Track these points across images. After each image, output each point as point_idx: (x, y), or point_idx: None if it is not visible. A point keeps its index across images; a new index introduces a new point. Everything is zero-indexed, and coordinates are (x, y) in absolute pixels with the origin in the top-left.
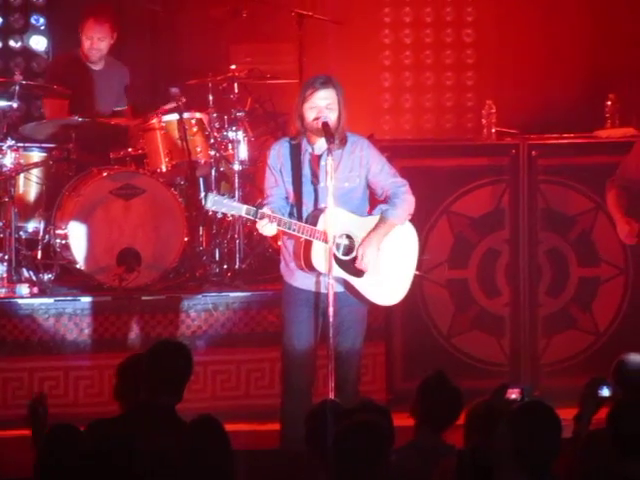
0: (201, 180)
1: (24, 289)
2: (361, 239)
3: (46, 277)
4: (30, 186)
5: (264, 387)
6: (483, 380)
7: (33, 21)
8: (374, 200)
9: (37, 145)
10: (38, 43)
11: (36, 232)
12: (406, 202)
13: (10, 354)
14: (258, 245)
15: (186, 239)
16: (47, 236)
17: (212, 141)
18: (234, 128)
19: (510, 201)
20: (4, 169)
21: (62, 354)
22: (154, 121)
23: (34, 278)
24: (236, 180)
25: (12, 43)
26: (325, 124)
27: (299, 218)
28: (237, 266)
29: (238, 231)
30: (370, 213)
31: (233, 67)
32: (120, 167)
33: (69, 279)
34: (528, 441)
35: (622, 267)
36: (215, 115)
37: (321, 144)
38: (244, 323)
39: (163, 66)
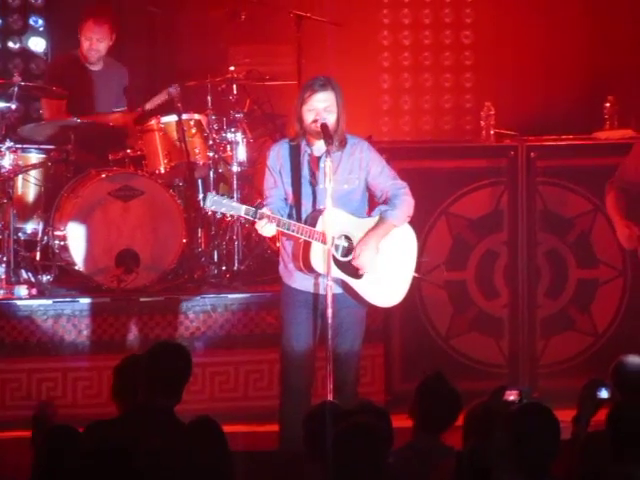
0: (200, 181)
1: (23, 290)
2: (359, 240)
3: (45, 278)
4: (29, 187)
5: (262, 388)
6: (482, 381)
7: (32, 22)
8: (373, 202)
9: (35, 146)
10: (37, 44)
11: (35, 233)
12: (405, 203)
13: (9, 355)
14: (257, 246)
15: (184, 240)
16: (46, 237)
17: (211, 142)
18: (233, 129)
19: (509, 203)
20: (3, 170)
21: (61, 355)
22: (153, 122)
23: (33, 279)
24: (235, 181)
25: (11, 44)
26: (324, 125)
27: (298, 219)
28: (236, 267)
29: (237, 232)
30: (369, 215)
31: (232, 68)
32: (119, 168)
33: (68, 280)
34: (526, 442)
35: (621, 269)
36: (214, 116)
37: (320, 146)
38: (243, 324)
39: (162, 67)
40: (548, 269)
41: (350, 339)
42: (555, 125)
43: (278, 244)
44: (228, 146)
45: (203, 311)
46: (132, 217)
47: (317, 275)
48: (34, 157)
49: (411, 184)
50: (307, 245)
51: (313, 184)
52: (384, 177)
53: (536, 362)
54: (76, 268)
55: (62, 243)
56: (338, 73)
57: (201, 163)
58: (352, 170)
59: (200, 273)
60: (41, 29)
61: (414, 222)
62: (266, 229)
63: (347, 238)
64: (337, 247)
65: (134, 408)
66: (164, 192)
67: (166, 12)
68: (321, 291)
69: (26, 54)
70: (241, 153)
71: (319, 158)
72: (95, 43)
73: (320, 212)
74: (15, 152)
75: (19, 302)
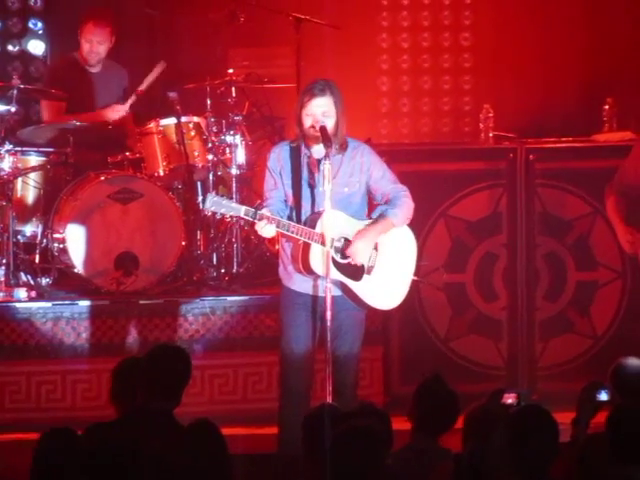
0: (199, 184)
1: (22, 293)
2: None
3: (44, 281)
4: (28, 190)
5: (262, 391)
6: (481, 384)
7: (31, 25)
8: (373, 206)
9: (35, 149)
10: (36, 47)
11: (34, 236)
12: (406, 206)
13: (8, 358)
14: (255, 249)
15: (184, 243)
16: (45, 240)
17: (210, 145)
18: (232, 132)
19: (508, 205)
20: (2, 173)
21: (60, 358)
22: (152, 125)
23: (32, 282)
24: (234, 184)
25: (10, 47)
26: (323, 128)
27: (298, 221)
28: (235, 270)
29: (236, 235)
30: (369, 218)
31: (231, 71)
32: (118, 171)
33: (67, 283)
34: (525, 445)
35: (620, 271)
36: (213, 119)
37: (320, 148)
38: (242, 327)
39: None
40: (547, 271)
41: (349, 341)
42: (554, 127)
43: (277, 246)
44: (227, 149)
45: (202, 314)
46: (131, 220)
47: (316, 277)
48: (33, 160)
49: (410, 187)
50: (306, 247)
51: (313, 186)
52: (385, 181)
53: (535, 364)
54: (75, 271)
55: (61, 246)
56: (337, 76)
57: (200, 166)
58: (353, 173)
59: (199, 276)
60: (40, 32)
61: (413, 224)
62: (266, 230)
63: (346, 240)
64: (336, 249)
65: (133, 411)
66: (163, 195)
67: (165, 14)
68: (320, 293)
69: (25, 57)
70: (240, 155)
71: (319, 160)
72: (96, 45)
73: (320, 214)
74: (14, 155)
75: (18, 305)
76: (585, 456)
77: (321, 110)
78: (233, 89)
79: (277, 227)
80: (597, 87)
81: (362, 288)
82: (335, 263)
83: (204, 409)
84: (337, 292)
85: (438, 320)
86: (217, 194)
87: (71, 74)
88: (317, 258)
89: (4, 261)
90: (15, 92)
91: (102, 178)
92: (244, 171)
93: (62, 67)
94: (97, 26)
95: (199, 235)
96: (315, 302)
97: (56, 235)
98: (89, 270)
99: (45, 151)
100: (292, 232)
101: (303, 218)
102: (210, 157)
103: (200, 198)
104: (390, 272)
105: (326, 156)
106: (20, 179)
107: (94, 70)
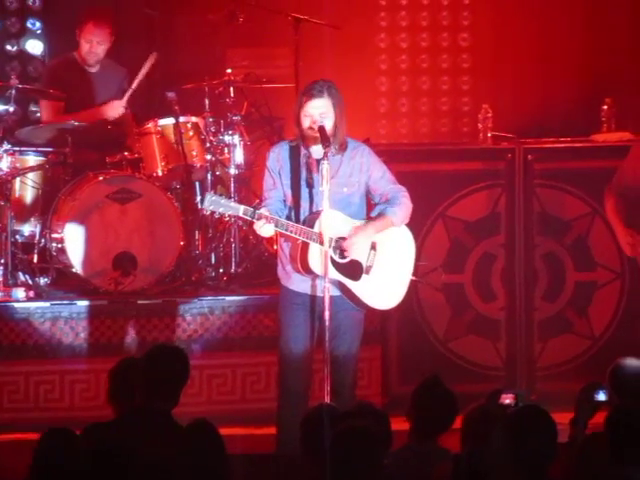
0: (197, 184)
1: (20, 293)
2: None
3: (42, 281)
4: (26, 190)
5: (260, 391)
6: (479, 384)
7: (29, 25)
8: (371, 206)
9: (33, 149)
10: (34, 47)
11: (32, 236)
12: (404, 206)
13: (6, 358)
14: (254, 249)
15: (182, 243)
16: (43, 240)
17: (208, 145)
18: (230, 132)
19: (506, 205)
20: (0, 173)
21: (58, 358)
22: (150, 125)
23: (30, 282)
24: (232, 184)
25: (8, 47)
26: (321, 128)
27: (297, 221)
28: (233, 270)
29: (234, 235)
30: (368, 218)
31: (229, 71)
32: (116, 171)
33: (65, 283)
34: (524, 445)
35: (618, 272)
36: (211, 119)
37: (319, 148)
38: (240, 327)
39: (159, 70)
40: (545, 272)
41: (348, 341)
42: (552, 128)
43: (275, 246)
44: (225, 149)
45: (200, 314)
46: (129, 220)
47: (315, 277)
48: (32, 160)
49: (408, 187)
50: (305, 247)
51: (311, 186)
52: (384, 181)
53: (533, 365)
54: (73, 271)
55: (59, 246)
56: (336, 76)
57: (198, 166)
58: (352, 174)
59: (197, 276)
60: (39, 32)
61: (412, 225)
62: (264, 229)
63: (344, 240)
64: (335, 249)
65: (131, 411)
66: (161, 195)
67: (164, 14)
68: (319, 293)
69: (24, 57)
70: (238, 156)
71: (318, 161)
72: (95, 46)
73: (318, 214)
74: (13, 155)
75: (16, 304)
76: (583, 456)
77: (318, 112)
78: (232, 89)
79: (275, 226)
80: (596, 87)
81: (361, 288)
82: (334, 263)
83: (202, 409)
84: (336, 292)
85: (437, 320)
86: (216, 193)
87: (70, 74)
88: (316, 258)
89: (2, 261)
90: (13, 92)
91: (100, 178)
92: (242, 171)
93: (61, 67)
94: (97, 26)
95: (197, 235)
96: (314, 302)
97: (54, 235)
98: (87, 270)
99: (43, 151)
100: (291, 232)
101: (302, 218)
102: (208, 157)
103: (199, 198)
104: (389, 272)
105: (324, 156)
106: (18, 179)
107: (93, 70)
